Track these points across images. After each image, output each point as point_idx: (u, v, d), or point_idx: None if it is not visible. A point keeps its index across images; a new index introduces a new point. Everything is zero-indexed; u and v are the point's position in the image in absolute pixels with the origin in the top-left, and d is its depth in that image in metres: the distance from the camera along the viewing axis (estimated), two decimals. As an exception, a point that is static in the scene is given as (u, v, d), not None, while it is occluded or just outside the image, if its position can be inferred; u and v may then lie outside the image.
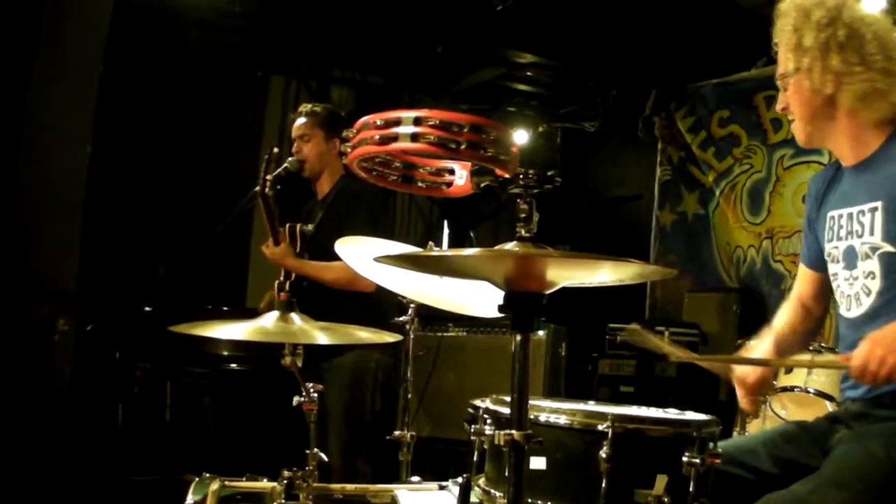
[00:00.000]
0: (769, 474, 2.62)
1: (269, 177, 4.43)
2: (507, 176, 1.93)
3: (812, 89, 2.68)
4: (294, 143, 4.82)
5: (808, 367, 4.58)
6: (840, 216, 2.78)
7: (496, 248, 1.95)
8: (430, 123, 1.80)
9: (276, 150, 4.55)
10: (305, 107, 4.92)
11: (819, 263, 2.91)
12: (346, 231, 4.20)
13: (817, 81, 2.65)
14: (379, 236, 4.17)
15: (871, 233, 2.64)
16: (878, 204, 2.63)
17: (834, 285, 2.81)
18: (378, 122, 1.85)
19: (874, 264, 2.63)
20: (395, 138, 1.82)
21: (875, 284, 2.63)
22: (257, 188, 4.51)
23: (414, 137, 1.81)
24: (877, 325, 2.56)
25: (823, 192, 2.91)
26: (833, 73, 2.62)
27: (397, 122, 1.83)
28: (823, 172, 3.00)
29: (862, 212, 2.68)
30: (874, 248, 2.62)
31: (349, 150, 1.93)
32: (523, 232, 1.96)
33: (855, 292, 2.69)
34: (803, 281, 3.03)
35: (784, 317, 3.02)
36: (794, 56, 2.69)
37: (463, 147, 1.80)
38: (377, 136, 1.85)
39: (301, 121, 4.83)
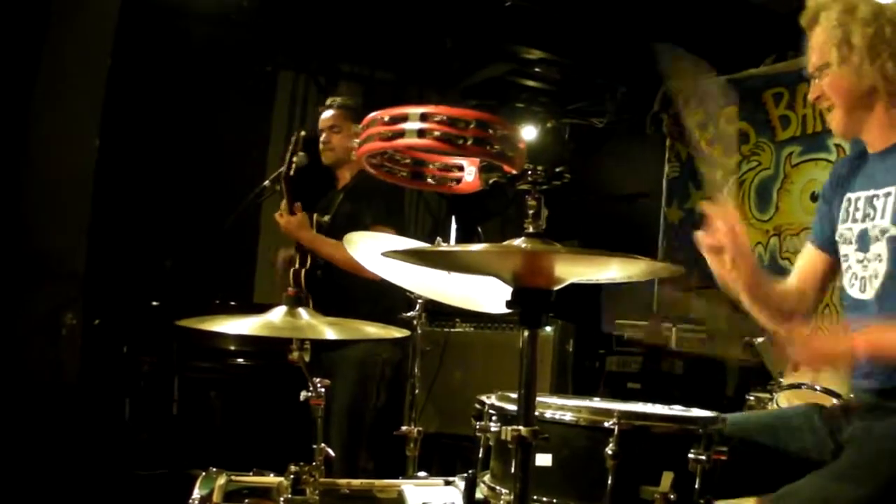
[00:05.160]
0: (785, 454, 2.63)
1: (295, 159, 4.46)
2: (515, 172, 1.93)
3: (856, 82, 2.67)
4: (322, 134, 4.84)
5: None
6: (858, 199, 2.79)
7: (504, 244, 1.95)
8: (437, 119, 1.80)
9: (303, 133, 4.58)
10: (335, 99, 4.98)
11: (829, 245, 2.92)
12: (361, 221, 4.22)
13: (866, 77, 2.64)
14: (393, 228, 4.19)
15: (883, 216, 2.66)
16: (892, 189, 2.65)
17: (844, 266, 2.82)
18: (385, 119, 1.85)
19: (882, 247, 2.64)
20: (402, 134, 1.83)
21: (882, 268, 2.64)
22: (266, 182, 4.52)
23: (420, 133, 1.81)
24: (883, 307, 2.61)
25: (846, 175, 2.91)
26: (882, 71, 2.62)
27: (404, 119, 1.83)
28: (848, 157, 3.00)
29: (877, 196, 2.70)
30: (883, 231, 2.64)
31: (357, 145, 1.93)
32: (531, 228, 1.96)
33: (868, 274, 2.70)
34: (807, 260, 3.02)
35: (781, 283, 3.03)
36: (839, 51, 2.66)
37: (469, 143, 1.80)
38: (384, 133, 1.85)
39: (331, 112, 4.88)
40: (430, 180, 2.09)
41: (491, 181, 2.02)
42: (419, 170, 2.07)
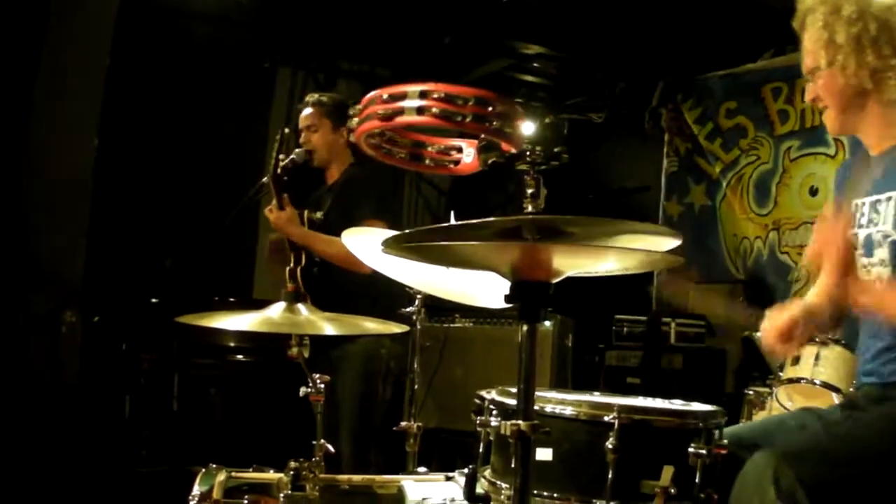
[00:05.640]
0: None
1: (281, 156, 4.42)
2: (513, 151, 1.92)
3: (845, 82, 2.67)
4: (302, 134, 4.82)
5: None
6: (863, 203, 2.78)
7: (509, 218, 1.94)
8: (436, 97, 1.80)
9: (287, 130, 4.54)
10: (312, 97, 4.91)
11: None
12: (354, 216, 4.21)
13: (852, 77, 2.64)
14: (386, 222, 4.18)
15: (885, 221, 2.65)
16: (894, 194, 2.65)
17: None
18: (384, 97, 1.85)
19: (885, 252, 2.64)
20: (401, 112, 1.82)
21: (886, 272, 2.64)
22: (266, 178, 4.51)
23: (419, 111, 1.81)
24: None
25: (847, 180, 2.91)
26: (869, 69, 2.62)
27: (403, 97, 1.83)
28: (847, 162, 3.01)
29: (879, 200, 2.70)
30: (886, 237, 2.64)
31: (356, 124, 1.93)
32: (531, 207, 1.95)
33: (872, 279, 2.69)
34: None
35: (817, 291, 3.02)
36: (826, 52, 2.67)
37: (468, 120, 1.80)
38: (383, 111, 1.85)
39: (308, 111, 4.82)
40: (428, 161, 2.09)
41: (490, 161, 2.01)
42: (418, 151, 2.06)
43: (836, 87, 2.71)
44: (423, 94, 1.81)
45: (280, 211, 4.48)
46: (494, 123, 1.82)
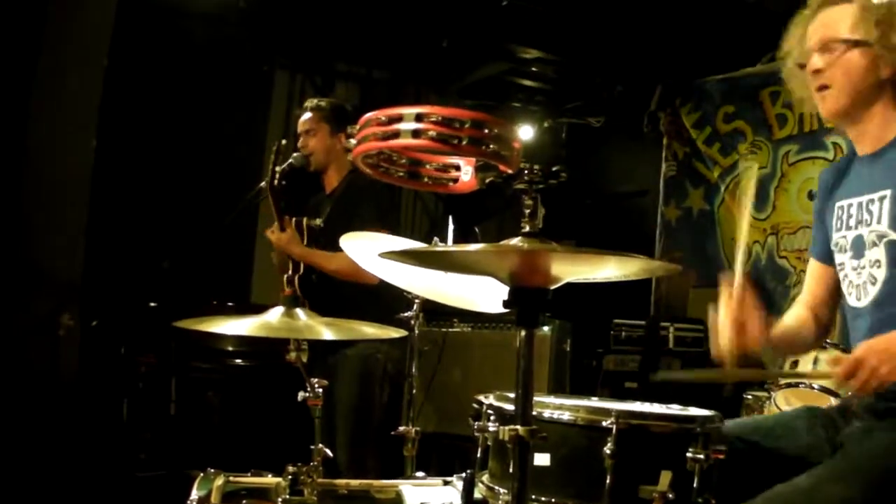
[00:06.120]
0: (784, 456, 2.61)
1: (278, 168, 4.43)
2: (511, 171, 1.93)
3: (870, 66, 2.61)
4: (300, 138, 4.83)
5: (800, 379, 4.61)
6: (850, 205, 2.75)
7: (501, 243, 1.95)
8: (432, 120, 1.80)
9: (283, 142, 4.56)
10: (311, 101, 4.93)
11: (828, 256, 2.88)
12: (354, 224, 4.20)
13: (892, 61, 2.59)
14: (388, 229, 4.18)
15: (879, 221, 2.62)
16: (888, 192, 2.60)
17: (841, 275, 2.79)
18: (381, 119, 1.85)
19: (880, 252, 2.61)
20: (397, 135, 1.83)
21: (881, 273, 2.61)
22: (264, 183, 4.51)
23: (415, 134, 1.81)
24: (882, 313, 2.58)
25: (833, 183, 2.88)
26: None
27: (399, 119, 1.83)
28: (835, 165, 2.98)
29: (872, 200, 2.66)
30: (881, 237, 2.60)
31: (353, 146, 1.93)
32: (528, 227, 1.96)
33: (863, 281, 2.67)
34: (813, 279, 2.99)
35: (792, 315, 2.99)
36: (878, 28, 2.58)
37: (464, 143, 1.80)
38: (379, 133, 1.85)
39: (306, 115, 4.84)
40: (426, 180, 2.08)
41: (487, 181, 2.01)
42: (416, 170, 2.06)
43: (857, 68, 2.63)
44: (419, 117, 1.80)
45: (281, 232, 4.51)
46: (491, 146, 1.82)
